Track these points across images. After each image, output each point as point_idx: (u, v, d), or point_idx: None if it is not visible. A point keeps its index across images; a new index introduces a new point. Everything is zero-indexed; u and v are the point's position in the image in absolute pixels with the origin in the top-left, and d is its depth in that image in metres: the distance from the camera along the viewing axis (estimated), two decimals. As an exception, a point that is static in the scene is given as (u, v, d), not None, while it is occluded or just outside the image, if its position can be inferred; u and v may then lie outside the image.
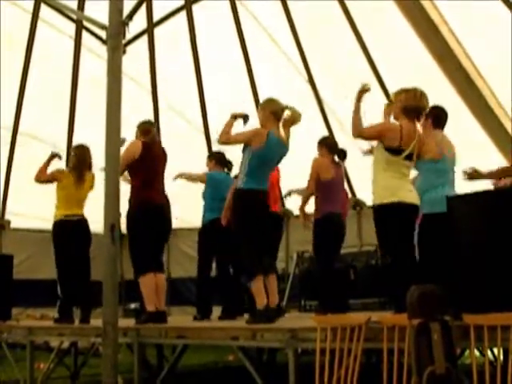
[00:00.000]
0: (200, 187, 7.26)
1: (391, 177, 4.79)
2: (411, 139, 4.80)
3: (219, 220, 6.78)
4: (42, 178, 6.99)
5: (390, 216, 4.70)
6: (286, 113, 5.53)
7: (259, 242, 5.42)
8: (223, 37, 9.81)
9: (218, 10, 9.53)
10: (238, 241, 5.41)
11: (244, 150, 5.47)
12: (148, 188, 5.95)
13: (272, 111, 5.52)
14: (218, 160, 7.29)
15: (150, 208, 5.91)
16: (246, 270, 5.46)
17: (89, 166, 7.04)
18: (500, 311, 3.46)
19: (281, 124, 5.54)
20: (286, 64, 9.59)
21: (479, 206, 4.00)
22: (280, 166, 6.16)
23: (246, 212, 5.38)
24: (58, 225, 6.86)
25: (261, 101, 6.03)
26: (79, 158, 6.99)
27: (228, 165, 7.33)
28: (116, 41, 4.92)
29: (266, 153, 5.39)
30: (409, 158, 4.82)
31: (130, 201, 5.97)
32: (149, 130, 6.20)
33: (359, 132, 4.83)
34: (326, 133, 9.60)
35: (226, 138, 5.51)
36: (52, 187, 7.00)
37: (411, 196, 4.78)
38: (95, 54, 9.42)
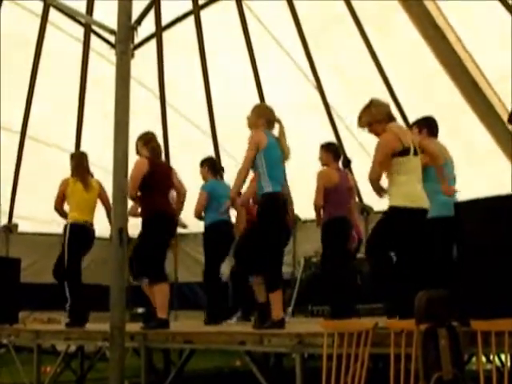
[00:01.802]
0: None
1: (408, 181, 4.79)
2: (406, 134, 4.87)
3: (220, 223, 6.97)
4: (59, 205, 7.06)
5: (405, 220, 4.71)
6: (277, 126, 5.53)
7: (281, 249, 5.54)
8: (231, 41, 9.81)
9: (226, 15, 9.53)
10: (261, 248, 5.29)
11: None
12: (161, 199, 6.06)
13: (267, 120, 5.50)
14: (211, 167, 7.37)
15: (165, 218, 6.03)
16: (270, 281, 5.28)
17: (88, 171, 7.16)
18: (507, 317, 3.45)
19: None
20: (293, 69, 9.58)
21: (487, 211, 3.99)
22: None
23: (276, 216, 5.32)
24: (74, 227, 6.90)
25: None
26: (76, 163, 7.12)
27: (220, 172, 7.42)
28: (125, 45, 4.95)
29: (272, 152, 5.36)
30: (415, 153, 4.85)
31: (145, 211, 6.04)
32: (150, 140, 6.27)
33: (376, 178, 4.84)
34: (333, 139, 9.60)
35: (243, 175, 5.36)
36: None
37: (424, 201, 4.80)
38: (102, 57, 9.46)
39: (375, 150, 4.83)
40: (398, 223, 4.72)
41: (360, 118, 4.98)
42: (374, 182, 4.85)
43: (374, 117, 4.91)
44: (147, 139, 6.25)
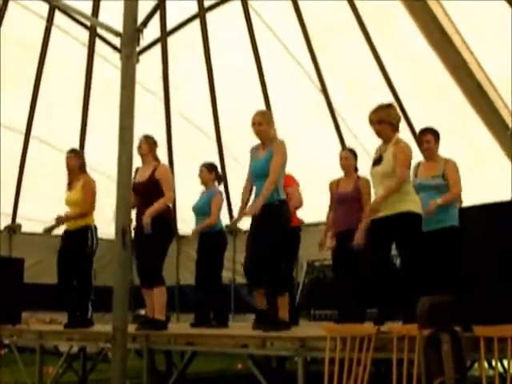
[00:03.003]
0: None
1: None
2: None
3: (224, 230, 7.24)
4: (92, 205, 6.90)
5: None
6: None
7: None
8: (236, 45, 9.80)
9: (232, 19, 9.52)
10: (272, 253, 5.30)
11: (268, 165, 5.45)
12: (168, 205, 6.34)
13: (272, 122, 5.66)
14: (218, 174, 7.42)
15: (172, 223, 6.48)
16: (280, 284, 5.35)
17: None
18: (510, 323, 3.44)
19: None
20: (298, 73, 9.58)
21: (490, 217, 4.00)
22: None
23: (288, 224, 5.55)
24: (96, 230, 6.87)
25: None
26: (83, 162, 7.02)
27: (220, 180, 7.59)
28: (130, 48, 4.94)
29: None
30: None
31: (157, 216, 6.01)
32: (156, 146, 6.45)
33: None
34: (337, 142, 9.60)
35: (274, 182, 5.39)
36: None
37: None
38: (107, 61, 9.47)
39: (403, 155, 4.90)
40: (415, 227, 4.84)
41: (374, 112, 5.00)
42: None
43: (390, 117, 4.98)
44: (155, 144, 6.38)
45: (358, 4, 8.49)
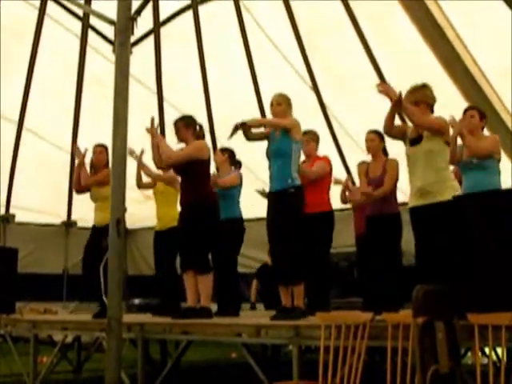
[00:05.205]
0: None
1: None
2: None
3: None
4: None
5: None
6: None
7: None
8: (228, 37, 9.74)
9: (224, 12, 9.46)
10: (288, 242, 5.27)
11: (283, 145, 5.40)
12: (209, 185, 6.06)
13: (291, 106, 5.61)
14: (231, 156, 7.19)
15: (215, 203, 6.02)
16: (296, 272, 5.31)
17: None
18: (505, 311, 3.45)
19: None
20: (288, 68, 9.52)
21: (487, 205, 4.00)
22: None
23: (301, 211, 5.40)
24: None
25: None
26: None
27: (237, 164, 7.31)
28: (124, 36, 4.93)
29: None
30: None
31: (194, 195, 5.88)
32: (194, 125, 6.21)
33: (421, 121, 4.79)
34: (330, 138, 9.57)
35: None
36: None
37: None
38: (101, 54, 9.44)
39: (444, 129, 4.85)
40: None
41: (410, 93, 4.90)
42: None
43: (427, 99, 4.90)
44: (190, 123, 6.18)
45: (350, 1, 8.46)
